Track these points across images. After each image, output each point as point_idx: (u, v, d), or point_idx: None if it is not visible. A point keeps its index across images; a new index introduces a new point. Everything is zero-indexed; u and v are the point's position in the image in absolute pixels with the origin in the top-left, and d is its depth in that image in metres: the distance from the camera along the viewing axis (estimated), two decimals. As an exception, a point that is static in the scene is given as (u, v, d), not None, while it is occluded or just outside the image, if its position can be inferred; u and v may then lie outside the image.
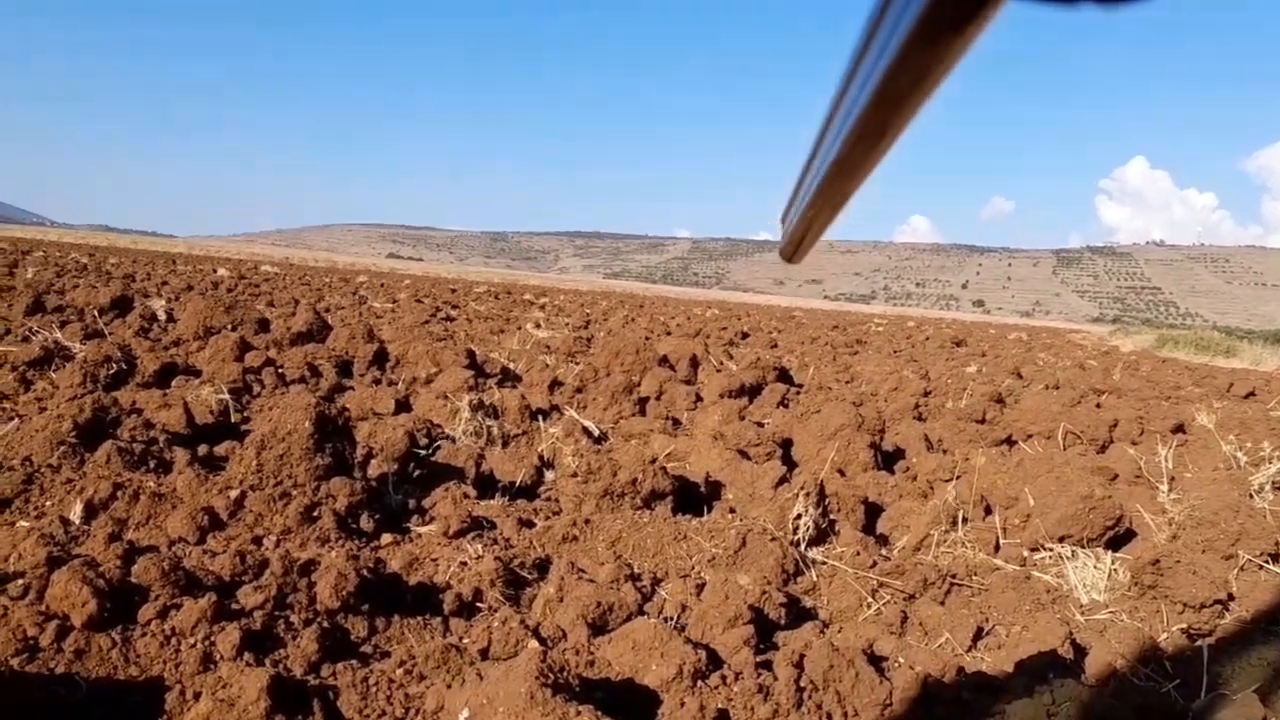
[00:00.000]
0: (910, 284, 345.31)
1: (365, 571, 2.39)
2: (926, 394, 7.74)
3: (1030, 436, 5.75)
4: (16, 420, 3.61)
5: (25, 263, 16.61)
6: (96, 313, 7.77)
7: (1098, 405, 7.47)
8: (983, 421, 6.18)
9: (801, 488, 3.36)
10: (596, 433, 4.96)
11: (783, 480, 3.90)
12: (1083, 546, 3.39)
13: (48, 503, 2.91)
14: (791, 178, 0.72)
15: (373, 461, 3.70)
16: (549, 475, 4.16)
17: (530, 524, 3.42)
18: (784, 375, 7.85)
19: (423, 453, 3.94)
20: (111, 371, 4.78)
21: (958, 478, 4.32)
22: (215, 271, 21.90)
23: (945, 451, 5.20)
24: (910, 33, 0.39)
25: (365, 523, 3.08)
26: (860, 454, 4.57)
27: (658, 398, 6.21)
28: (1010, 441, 5.67)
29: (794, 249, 0.76)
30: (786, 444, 4.89)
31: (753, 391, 6.71)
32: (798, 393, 7.14)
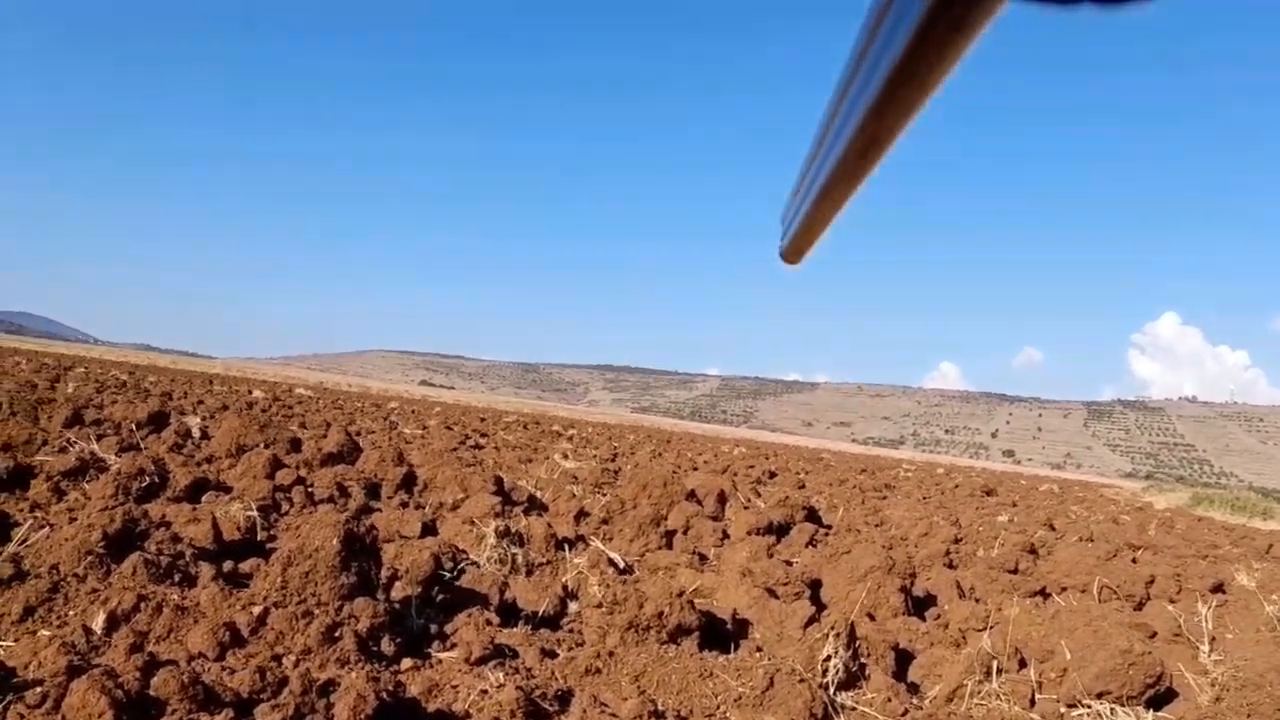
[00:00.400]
0: (939, 430, 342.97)
1: (384, 695, 2.34)
2: (957, 541, 7.60)
3: (1065, 589, 5.61)
4: (47, 529, 3.63)
5: (67, 378, 17.00)
6: (133, 427, 7.89)
7: (1134, 560, 7.30)
8: (1016, 571, 6.05)
9: (832, 628, 3.28)
10: (622, 564, 4.90)
11: (812, 620, 3.81)
12: (1122, 704, 3.26)
13: (71, 612, 2.91)
14: (791, 179, 0.72)
15: (397, 583, 3.67)
16: (573, 606, 4.10)
17: (553, 654, 3.35)
18: (813, 515, 7.76)
19: (447, 577, 3.91)
20: (144, 484, 4.82)
21: (991, 627, 4.20)
22: (250, 392, 22.24)
23: (978, 600, 5.07)
24: (913, 32, 0.41)
25: (386, 645, 3.04)
26: (890, 598, 4.47)
27: (685, 532, 6.14)
28: (1044, 593, 5.53)
29: (794, 250, 0.76)
30: (815, 584, 4.80)
31: (781, 530, 6.63)
32: (826, 533, 7.03)
